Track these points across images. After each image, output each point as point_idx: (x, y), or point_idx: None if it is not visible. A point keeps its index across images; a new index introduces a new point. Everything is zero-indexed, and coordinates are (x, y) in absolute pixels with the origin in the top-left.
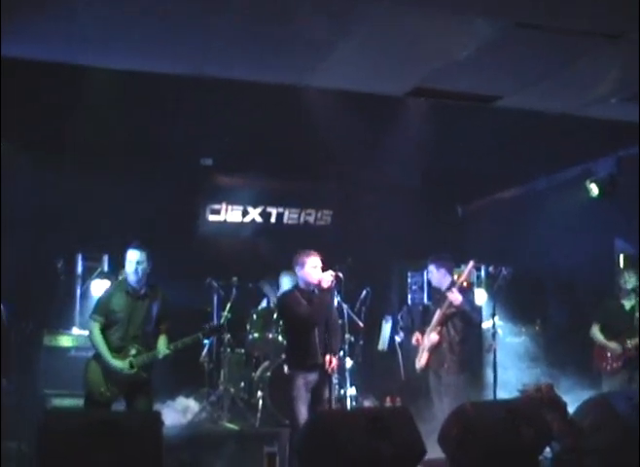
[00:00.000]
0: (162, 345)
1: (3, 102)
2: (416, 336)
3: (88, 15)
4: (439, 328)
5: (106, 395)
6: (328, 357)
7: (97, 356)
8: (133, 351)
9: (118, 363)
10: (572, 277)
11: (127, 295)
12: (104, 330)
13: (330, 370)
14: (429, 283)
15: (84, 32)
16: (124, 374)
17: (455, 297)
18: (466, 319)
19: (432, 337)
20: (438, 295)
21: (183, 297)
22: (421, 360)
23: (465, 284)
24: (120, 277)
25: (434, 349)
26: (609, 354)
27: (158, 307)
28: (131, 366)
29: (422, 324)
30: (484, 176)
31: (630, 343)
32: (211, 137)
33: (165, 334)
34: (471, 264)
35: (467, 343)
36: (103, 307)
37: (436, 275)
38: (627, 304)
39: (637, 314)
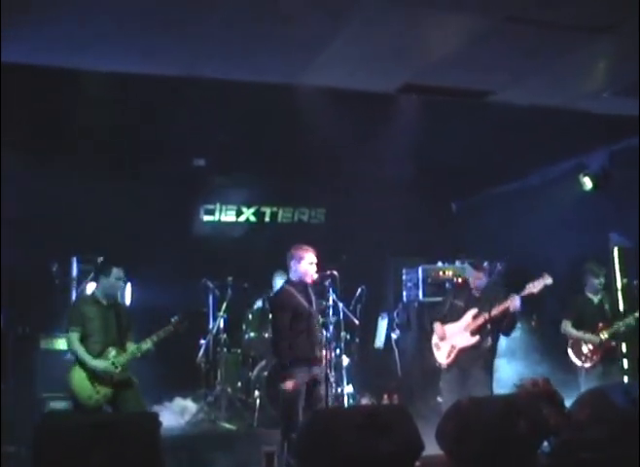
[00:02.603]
0: (135, 346)
1: None
2: (442, 329)
3: (79, 17)
4: (475, 329)
5: (95, 398)
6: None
7: (80, 363)
8: (114, 352)
9: (101, 363)
10: (567, 271)
11: (97, 304)
12: (83, 339)
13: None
14: (424, 280)
15: (75, 35)
16: (109, 373)
17: (515, 304)
18: (511, 324)
19: (468, 338)
20: (467, 293)
21: (178, 297)
22: (450, 356)
23: (461, 280)
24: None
25: (466, 350)
26: (585, 349)
27: (124, 318)
28: (114, 366)
29: (449, 317)
30: (478, 172)
31: (605, 335)
32: (203, 137)
33: (132, 341)
34: (548, 280)
35: (495, 347)
36: (79, 317)
37: (479, 278)
38: (595, 298)
39: (606, 306)
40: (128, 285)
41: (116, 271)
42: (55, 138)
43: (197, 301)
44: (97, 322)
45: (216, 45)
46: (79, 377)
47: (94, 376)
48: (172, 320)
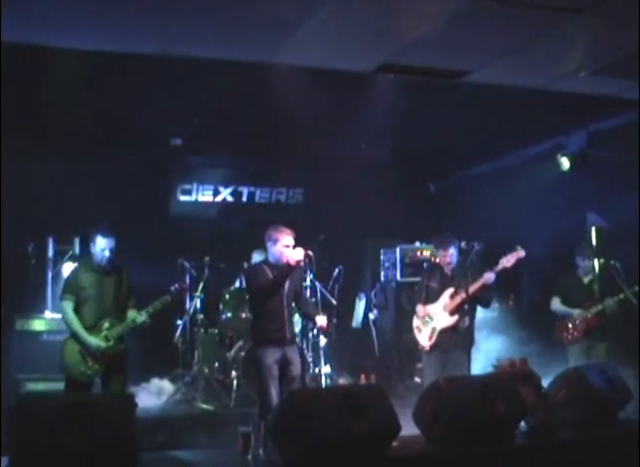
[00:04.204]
0: (134, 314)
1: None
2: (423, 310)
3: None
4: (453, 309)
5: (87, 373)
6: (318, 318)
7: (73, 336)
8: (107, 325)
9: (94, 340)
10: (544, 251)
11: (94, 272)
12: (77, 309)
13: (323, 328)
14: (402, 260)
15: (48, 13)
16: (101, 349)
17: (490, 278)
18: (488, 298)
19: (447, 318)
20: (440, 274)
21: (155, 277)
22: (432, 338)
23: (437, 260)
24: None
25: (446, 330)
26: (570, 324)
27: (125, 285)
28: (107, 339)
29: (426, 299)
30: (455, 152)
31: (591, 312)
32: (180, 117)
33: (134, 309)
34: (521, 253)
35: (472, 325)
36: (73, 286)
37: (446, 255)
38: (585, 279)
39: (595, 287)
40: None
41: (100, 241)
42: (30, 118)
43: (174, 281)
44: (92, 291)
45: (192, 23)
46: (71, 350)
47: (87, 351)
48: (172, 289)
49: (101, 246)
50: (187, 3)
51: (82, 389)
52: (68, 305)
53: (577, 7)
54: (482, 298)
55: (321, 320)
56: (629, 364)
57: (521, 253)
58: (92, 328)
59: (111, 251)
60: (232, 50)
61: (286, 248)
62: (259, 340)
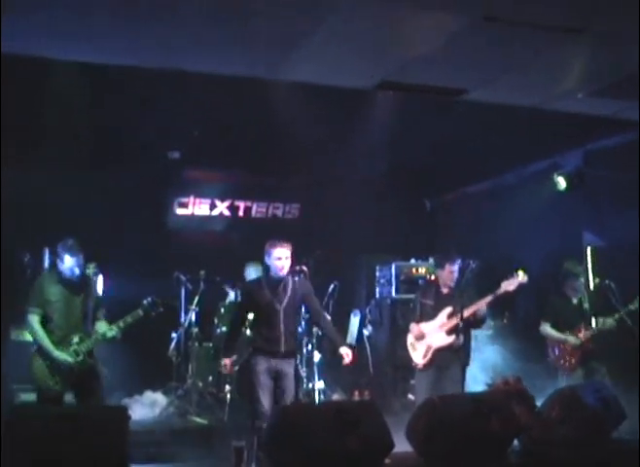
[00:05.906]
0: (103, 327)
1: None
2: (418, 329)
3: (53, 5)
4: (450, 328)
5: (55, 389)
6: (343, 350)
7: (40, 349)
8: (76, 339)
9: (61, 354)
10: (540, 270)
11: (62, 285)
12: (45, 323)
13: (348, 361)
14: (397, 277)
15: (51, 25)
16: (70, 364)
17: (485, 302)
18: (482, 320)
19: (444, 337)
20: (435, 292)
21: (151, 291)
22: (427, 356)
23: (433, 278)
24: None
25: (442, 349)
26: (564, 350)
27: (92, 296)
28: (77, 354)
29: (421, 317)
30: (452, 170)
31: (584, 336)
32: (179, 130)
33: (104, 320)
34: (524, 279)
35: (469, 344)
36: (39, 299)
37: (452, 271)
38: (574, 298)
39: (586, 305)
40: (100, 277)
41: (68, 259)
42: (28, 130)
43: (170, 294)
44: (60, 304)
45: (192, 37)
46: (39, 365)
47: (55, 365)
48: (144, 302)
49: (69, 264)
50: (188, 18)
51: (53, 401)
52: (34, 319)
53: (576, 27)
54: (476, 320)
55: (344, 350)
56: (632, 386)
57: (524, 279)
58: (62, 342)
59: (80, 267)
60: (233, 65)
61: (278, 261)
62: (254, 349)
